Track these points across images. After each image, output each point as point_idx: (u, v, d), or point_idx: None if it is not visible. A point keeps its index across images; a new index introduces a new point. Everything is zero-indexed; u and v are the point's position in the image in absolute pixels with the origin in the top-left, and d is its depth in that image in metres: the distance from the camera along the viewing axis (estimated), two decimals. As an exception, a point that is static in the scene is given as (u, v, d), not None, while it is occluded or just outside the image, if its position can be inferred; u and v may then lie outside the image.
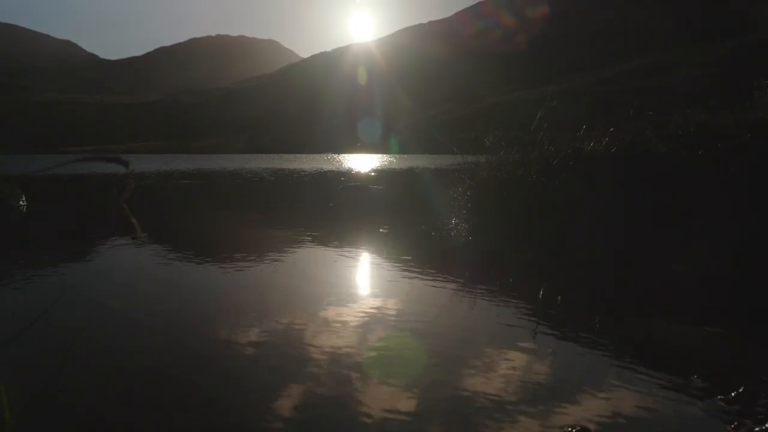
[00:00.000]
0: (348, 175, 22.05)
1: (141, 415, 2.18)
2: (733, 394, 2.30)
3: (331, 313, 3.51)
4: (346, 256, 5.55)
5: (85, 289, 4.23)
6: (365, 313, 3.51)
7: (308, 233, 7.09)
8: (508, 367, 2.64)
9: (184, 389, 2.41)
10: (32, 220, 8.15)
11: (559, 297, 4.04)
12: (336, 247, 6.08)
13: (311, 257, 5.64)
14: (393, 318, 3.43)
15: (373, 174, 23.10)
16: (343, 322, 3.31)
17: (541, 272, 4.94)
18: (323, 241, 6.49)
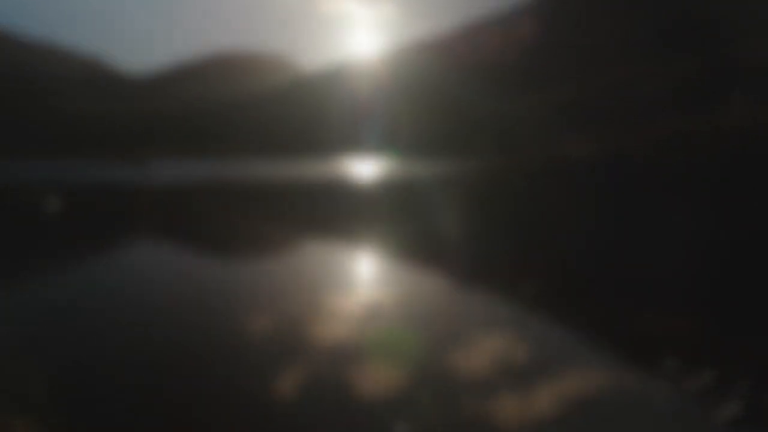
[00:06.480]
0: (350, 179, 22.06)
1: (155, 398, 2.21)
2: (702, 377, 2.30)
3: (331, 305, 3.53)
4: (347, 254, 5.57)
5: (104, 284, 4.25)
6: (365, 305, 3.53)
7: (311, 232, 7.10)
8: (492, 352, 2.65)
9: (196, 373, 2.43)
10: (64, 221, 8.18)
11: (544, 290, 4.05)
12: (337, 245, 6.09)
13: (314, 254, 5.65)
14: (390, 310, 3.45)
15: (373, 178, 23.10)
16: (343, 313, 3.33)
17: (528, 267, 4.95)
18: (325, 239, 6.50)
